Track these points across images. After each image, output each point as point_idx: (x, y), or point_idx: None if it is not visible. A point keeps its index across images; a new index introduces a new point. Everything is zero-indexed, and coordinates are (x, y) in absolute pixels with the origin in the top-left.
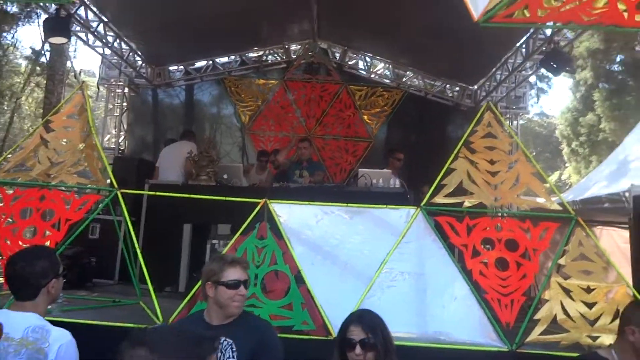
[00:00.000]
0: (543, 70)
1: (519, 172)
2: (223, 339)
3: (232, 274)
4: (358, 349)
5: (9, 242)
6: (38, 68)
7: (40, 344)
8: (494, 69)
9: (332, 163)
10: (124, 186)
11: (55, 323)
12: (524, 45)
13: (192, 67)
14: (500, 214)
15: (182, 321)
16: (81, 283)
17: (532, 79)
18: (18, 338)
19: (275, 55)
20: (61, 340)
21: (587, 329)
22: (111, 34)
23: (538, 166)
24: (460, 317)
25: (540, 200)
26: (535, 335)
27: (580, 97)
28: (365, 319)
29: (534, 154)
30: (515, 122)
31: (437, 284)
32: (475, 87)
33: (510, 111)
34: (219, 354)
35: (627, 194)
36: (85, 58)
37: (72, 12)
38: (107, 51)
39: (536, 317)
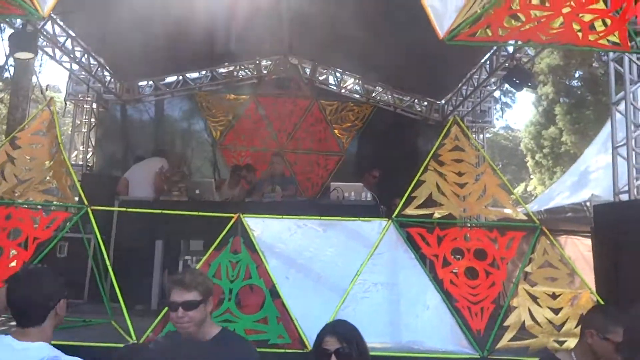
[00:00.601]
0: (507, 86)
1: (486, 184)
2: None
3: (173, 295)
4: (333, 359)
5: None
6: (1, 84)
7: None
8: (460, 85)
9: (304, 178)
10: (93, 203)
11: None
12: (487, 62)
13: (162, 82)
14: (468, 225)
15: (156, 342)
16: None
17: (497, 93)
18: None
19: (247, 70)
20: None
21: (554, 334)
22: (79, 48)
23: (504, 178)
24: (432, 326)
25: (507, 210)
26: (505, 341)
27: (542, 111)
28: (340, 329)
29: (500, 166)
30: (481, 136)
31: (410, 294)
32: (443, 101)
33: (476, 125)
34: None
35: (588, 204)
36: (52, 73)
37: (39, 27)
38: (75, 66)
39: (505, 323)
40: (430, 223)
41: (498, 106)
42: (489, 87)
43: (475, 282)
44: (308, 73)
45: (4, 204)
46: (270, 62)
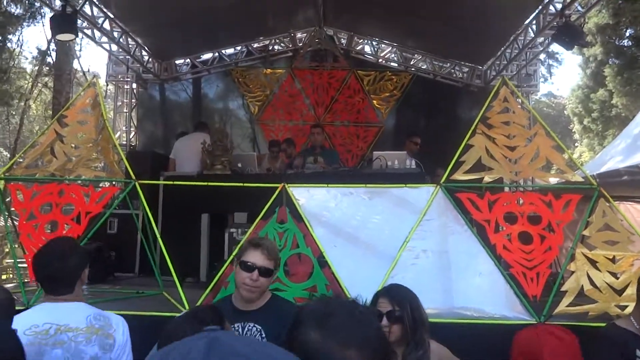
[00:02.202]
0: (553, 48)
1: (539, 146)
2: (252, 324)
3: (251, 256)
4: (385, 321)
5: (31, 238)
6: (45, 69)
7: (107, 329)
8: (503, 48)
9: (344, 150)
10: (139, 179)
11: None
12: (533, 22)
13: (198, 59)
14: (521, 188)
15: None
16: (103, 277)
17: (542, 56)
18: (84, 327)
19: (282, 44)
20: (122, 323)
21: (614, 299)
22: (117, 29)
23: (557, 138)
24: (485, 292)
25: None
26: (562, 306)
27: (590, 74)
28: (393, 292)
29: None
30: (527, 101)
31: (461, 260)
32: (485, 67)
33: (521, 89)
34: None
35: None
36: (91, 57)
37: (78, 8)
38: (114, 47)
39: (563, 289)
40: (480, 188)
41: (544, 70)
42: (534, 48)
43: (529, 247)
44: (344, 43)
45: (56, 180)
46: (305, 34)
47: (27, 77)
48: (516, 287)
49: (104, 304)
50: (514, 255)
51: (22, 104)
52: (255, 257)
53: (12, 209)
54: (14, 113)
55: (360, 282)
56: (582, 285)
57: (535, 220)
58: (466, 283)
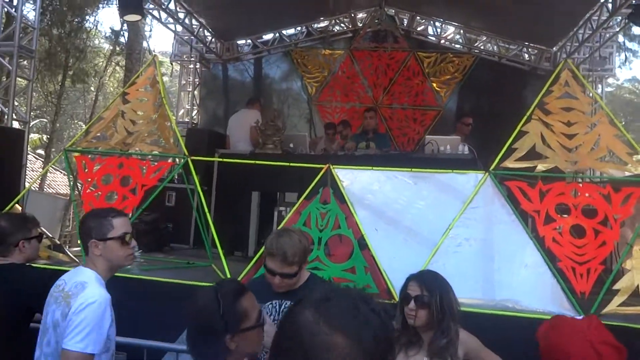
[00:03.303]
0: (635, 29)
1: (600, 134)
2: (289, 302)
3: (270, 262)
4: (412, 304)
5: (92, 206)
6: (118, 48)
7: (72, 297)
8: (575, 28)
9: (400, 133)
10: (197, 156)
11: (134, 280)
12: (609, 0)
13: (259, 40)
14: (578, 179)
15: (249, 283)
16: (159, 247)
17: (621, 39)
18: (67, 289)
19: (341, 24)
20: (86, 299)
21: None
22: (182, 10)
23: (621, 126)
24: (530, 285)
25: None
26: (613, 306)
27: None
28: (425, 277)
29: (623, 123)
30: (600, 86)
31: (506, 251)
32: (555, 48)
33: (594, 74)
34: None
35: None
36: (161, 38)
37: None
38: (179, 28)
39: (616, 287)
40: (532, 177)
41: (622, 56)
42: (610, 29)
43: (581, 241)
44: (405, 24)
45: (117, 153)
46: (365, 15)
47: (102, 56)
48: (564, 283)
49: (156, 272)
50: (563, 249)
51: (97, 81)
52: (274, 264)
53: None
54: (92, 89)
55: (399, 267)
56: (638, 285)
57: (591, 214)
58: (510, 275)
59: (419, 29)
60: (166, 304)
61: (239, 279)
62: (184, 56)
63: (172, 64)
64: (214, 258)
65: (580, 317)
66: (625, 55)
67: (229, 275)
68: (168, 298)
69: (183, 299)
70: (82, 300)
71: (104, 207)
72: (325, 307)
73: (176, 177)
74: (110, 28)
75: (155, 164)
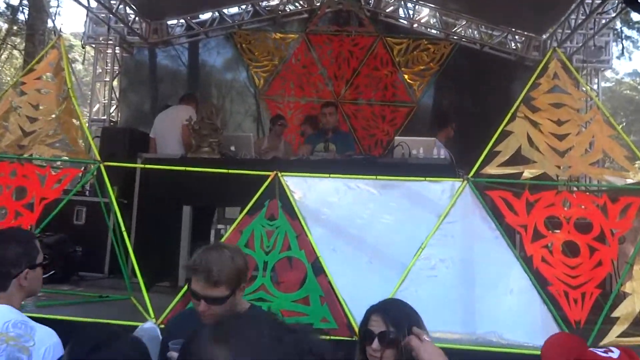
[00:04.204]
0: (633, 15)
1: (594, 135)
2: None
3: (195, 283)
4: (375, 343)
5: None
6: (15, 27)
7: (24, 341)
8: (567, 12)
9: (366, 134)
10: (111, 161)
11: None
12: None
13: (195, 20)
14: (569, 188)
15: (176, 317)
16: (65, 276)
17: (618, 25)
18: (9, 334)
19: (296, 3)
20: (48, 340)
21: None
22: None
23: (618, 127)
24: (517, 314)
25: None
26: (612, 337)
27: None
28: (390, 308)
29: (624, 123)
30: (596, 80)
31: (489, 274)
32: (544, 36)
33: (589, 66)
34: None
35: None
36: (71, 16)
37: None
38: (93, 3)
39: (614, 314)
40: (518, 185)
41: (621, 45)
42: (605, 14)
43: (575, 261)
44: (371, 4)
45: (8, 159)
46: None
47: None
48: (555, 310)
49: (59, 308)
50: (554, 270)
51: None
52: (197, 284)
53: None
54: None
55: (362, 296)
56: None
57: (585, 228)
58: (493, 302)
59: (387, 10)
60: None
61: (164, 315)
62: (100, 38)
63: (84, 48)
64: (134, 290)
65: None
66: (623, 45)
67: (150, 311)
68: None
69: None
70: (49, 343)
71: (11, 228)
72: (226, 333)
73: (87, 188)
74: (6, 2)
75: (59, 171)
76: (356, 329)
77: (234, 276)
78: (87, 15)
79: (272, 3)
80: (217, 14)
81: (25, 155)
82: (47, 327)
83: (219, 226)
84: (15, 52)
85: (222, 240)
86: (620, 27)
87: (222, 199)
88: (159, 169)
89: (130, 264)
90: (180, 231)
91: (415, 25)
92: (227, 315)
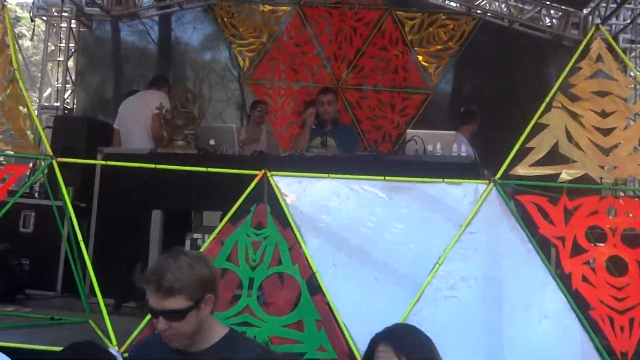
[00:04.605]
0: None
1: None
2: None
3: (150, 298)
4: None
5: None
6: None
7: None
8: None
9: (371, 126)
10: (66, 156)
11: None
12: None
13: None
14: (614, 192)
15: (142, 344)
16: (9, 295)
17: None
18: None
19: None
20: None
21: None
22: None
23: None
24: (552, 343)
25: None
26: None
27: None
28: (400, 336)
29: None
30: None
31: (519, 295)
32: (585, 11)
33: (638, 47)
34: None
35: None
36: None
37: None
38: None
39: None
40: (554, 189)
41: None
42: None
43: (622, 280)
44: None
45: None
46: None
47: None
48: (598, 339)
49: (1, 333)
50: (597, 291)
51: None
52: (152, 299)
53: None
54: None
55: (367, 320)
56: None
57: (634, 241)
58: (524, 328)
59: None
60: None
61: (128, 341)
62: (53, 10)
63: (34, 21)
64: (92, 311)
65: None
66: None
67: (112, 337)
68: None
69: None
70: None
71: None
72: None
73: (36, 188)
74: None
75: (2, 168)
76: (359, 358)
77: (193, 284)
78: None
79: None
80: None
81: None
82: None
83: (196, 235)
84: None
85: (201, 250)
86: None
87: (199, 202)
88: (123, 167)
89: (88, 280)
90: (148, 240)
91: None
92: (193, 333)
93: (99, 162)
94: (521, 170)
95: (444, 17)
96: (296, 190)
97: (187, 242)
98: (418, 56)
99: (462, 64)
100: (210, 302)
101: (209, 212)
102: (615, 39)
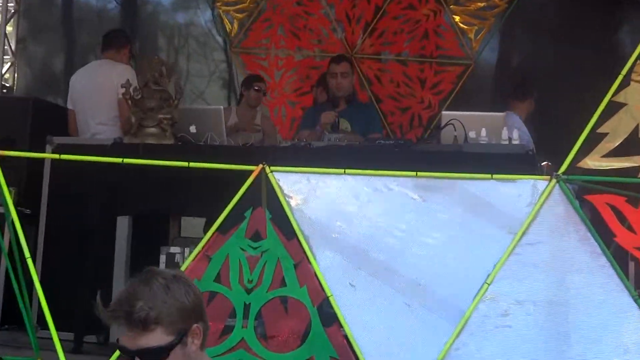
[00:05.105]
0: None
1: None
2: None
3: (121, 335)
4: None
5: None
6: None
7: None
8: None
9: (396, 107)
10: (7, 147)
11: None
12: None
13: None
14: None
15: None
16: None
17: None
18: None
19: None
20: None
21: None
22: None
23: None
24: None
25: None
26: None
27: None
28: None
29: None
30: None
31: (590, 323)
32: None
33: None
34: None
35: None
36: None
37: None
38: None
39: None
40: (633, 186)
41: None
42: None
43: None
44: None
45: None
46: None
47: None
48: None
49: None
50: None
51: None
52: (124, 336)
53: None
54: None
55: (396, 357)
56: None
57: None
58: None
59: None
60: None
61: None
62: None
63: None
64: (43, 348)
65: None
66: None
67: None
68: None
69: None
70: None
71: None
72: None
73: None
74: None
75: None
76: None
77: (173, 312)
78: None
79: None
80: None
81: None
82: None
83: (173, 249)
84: None
85: (182, 269)
86: None
87: (178, 206)
88: (80, 161)
89: (36, 308)
90: (113, 256)
91: None
92: None
93: (49, 155)
94: (591, 162)
95: None
96: (303, 191)
97: (163, 258)
98: (454, 16)
99: (510, 27)
100: (198, 333)
101: (191, 218)
102: None
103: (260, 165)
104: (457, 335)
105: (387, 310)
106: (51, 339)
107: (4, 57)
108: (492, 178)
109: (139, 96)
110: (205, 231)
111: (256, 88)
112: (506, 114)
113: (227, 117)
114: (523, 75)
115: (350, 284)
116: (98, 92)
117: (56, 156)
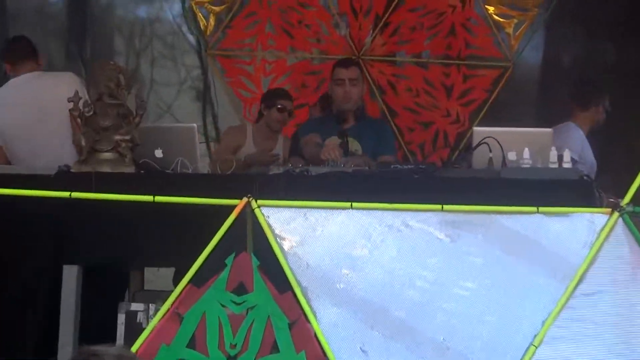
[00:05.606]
0: None
1: None
2: None
3: None
4: None
5: None
6: None
7: None
8: None
9: (414, 121)
10: None
11: None
12: None
13: None
14: None
15: None
16: None
17: None
18: None
19: None
20: None
21: None
22: None
23: None
24: None
25: None
26: None
27: None
28: None
29: None
30: None
31: None
32: None
33: None
34: None
35: None
36: None
37: None
38: None
39: None
40: None
41: None
42: None
43: None
44: None
45: None
46: None
47: None
48: None
49: None
50: None
51: None
52: None
53: None
54: None
55: None
56: None
57: None
58: None
59: None
60: None
61: None
62: None
63: None
64: None
65: None
66: None
67: None
68: None
69: None
70: None
71: None
72: None
73: None
74: None
75: None
76: None
77: None
78: None
79: None
80: None
81: None
82: None
83: (135, 306)
84: None
85: (143, 337)
86: None
87: (140, 253)
88: (17, 196)
89: None
90: (58, 315)
91: None
92: None
93: None
94: None
95: None
96: (299, 230)
97: (122, 318)
98: (488, 7)
99: (558, 21)
100: None
101: (156, 268)
102: None
103: (245, 199)
104: None
105: None
106: None
107: None
108: (537, 212)
109: (91, 112)
110: (176, 283)
111: (279, 107)
112: (564, 125)
113: (239, 142)
114: (587, 78)
115: (361, 348)
116: (38, 110)
117: None
